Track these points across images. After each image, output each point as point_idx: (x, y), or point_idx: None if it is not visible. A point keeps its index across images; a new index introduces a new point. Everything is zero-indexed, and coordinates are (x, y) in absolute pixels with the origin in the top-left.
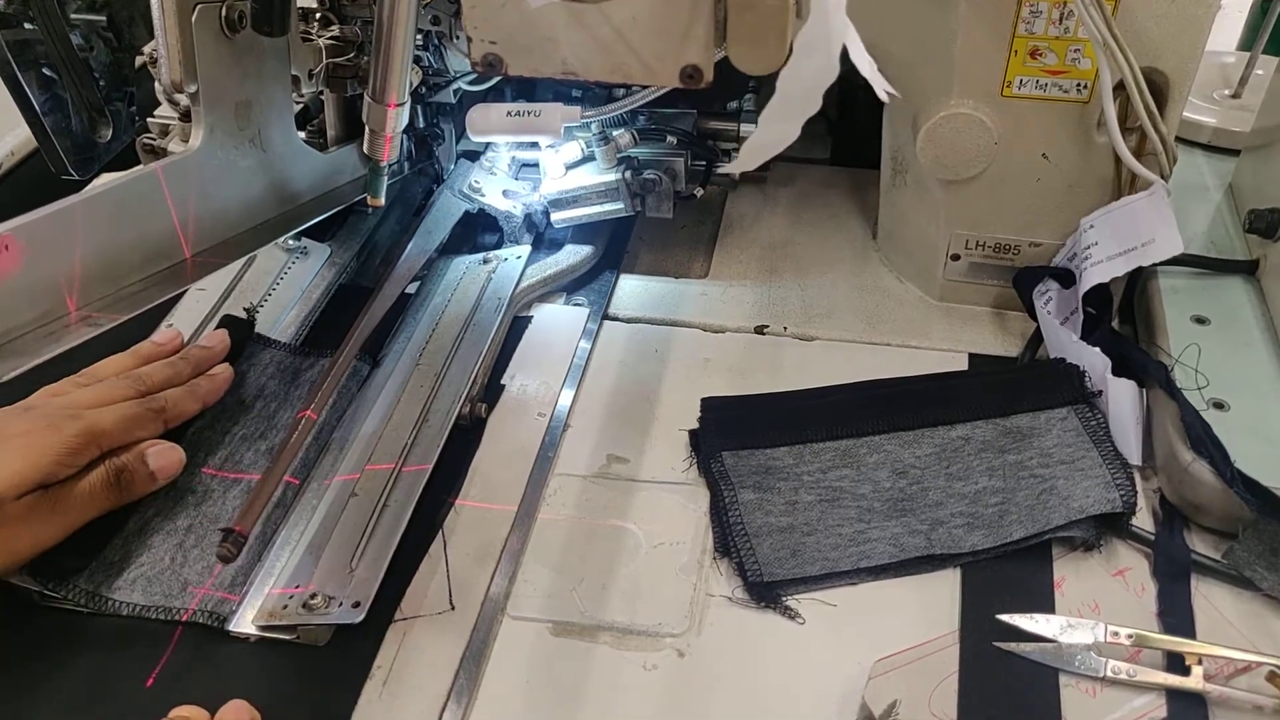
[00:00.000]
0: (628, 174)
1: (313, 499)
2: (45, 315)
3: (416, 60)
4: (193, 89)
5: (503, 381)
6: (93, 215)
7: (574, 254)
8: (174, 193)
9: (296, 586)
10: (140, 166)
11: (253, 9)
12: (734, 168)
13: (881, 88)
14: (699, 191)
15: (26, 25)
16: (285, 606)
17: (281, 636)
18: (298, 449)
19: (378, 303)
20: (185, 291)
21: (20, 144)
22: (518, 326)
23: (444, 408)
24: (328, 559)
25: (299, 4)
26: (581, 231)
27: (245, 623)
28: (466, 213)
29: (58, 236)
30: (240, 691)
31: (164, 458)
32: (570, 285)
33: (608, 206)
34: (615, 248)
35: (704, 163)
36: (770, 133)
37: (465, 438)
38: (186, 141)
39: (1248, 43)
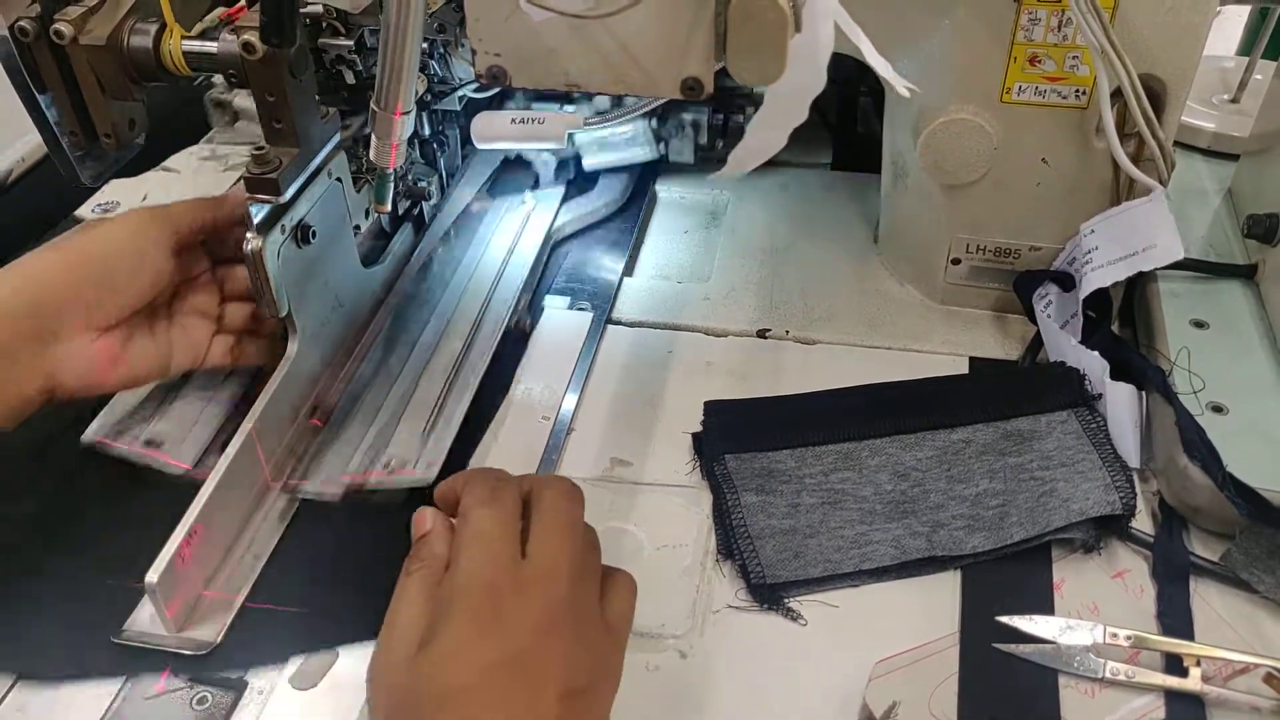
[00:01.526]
0: (652, 121)
1: (385, 382)
2: None
3: (422, 68)
4: (285, 312)
5: (509, 385)
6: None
7: (605, 191)
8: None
9: (375, 454)
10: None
11: (261, 23)
12: (724, 174)
13: (901, 85)
14: (720, 144)
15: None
16: (365, 470)
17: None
18: (372, 338)
19: (432, 229)
20: None
21: (31, 150)
22: (522, 332)
23: (495, 319)
24: (404, 429)
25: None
26: (609, 178)
27: (335, 485)
28: (504, 159)
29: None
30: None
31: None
32: (598, 225)
33: (635, 151)
34: (638, 196)
35: (722, 117)
36: (760, 139)
37: (469, 440)
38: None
39: (1247, 47)
